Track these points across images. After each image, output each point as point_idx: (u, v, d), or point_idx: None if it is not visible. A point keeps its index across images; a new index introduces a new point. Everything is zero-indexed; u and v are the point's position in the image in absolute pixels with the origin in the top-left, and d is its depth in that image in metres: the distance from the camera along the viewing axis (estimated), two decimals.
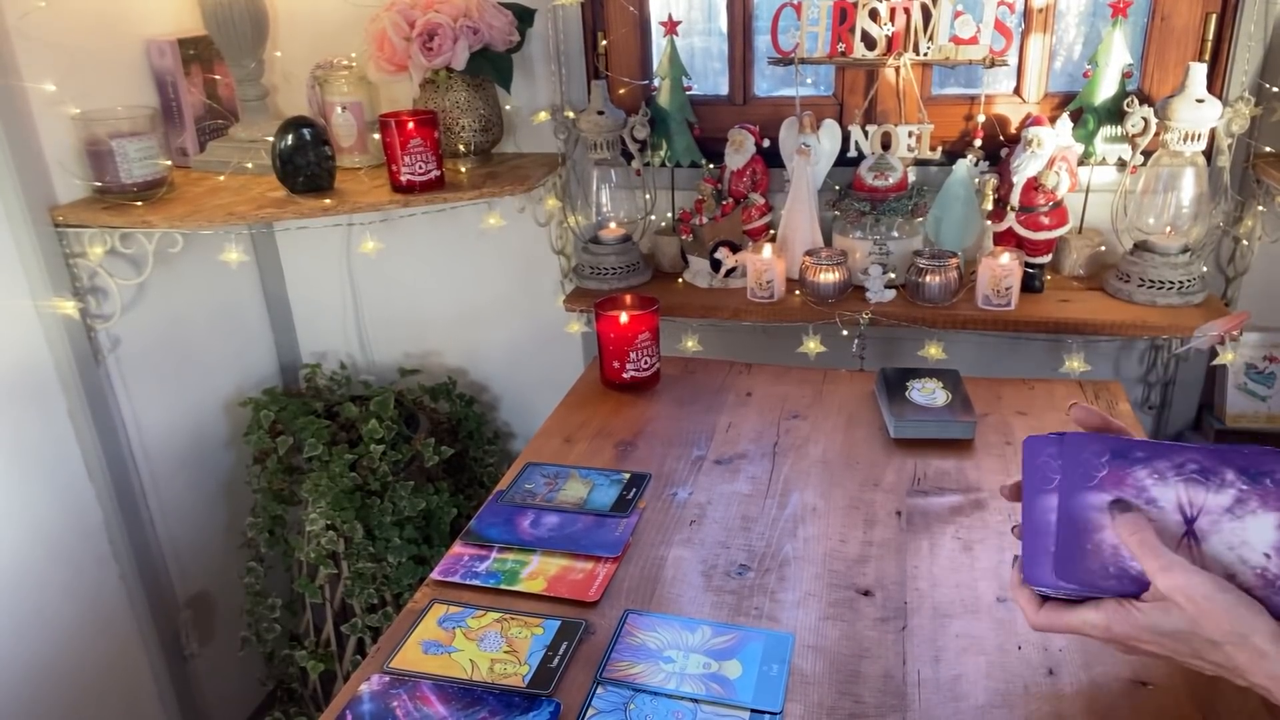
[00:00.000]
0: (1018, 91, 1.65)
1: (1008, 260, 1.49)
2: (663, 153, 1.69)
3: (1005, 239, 1.57)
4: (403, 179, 1.51)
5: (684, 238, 1.69)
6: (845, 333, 1.55)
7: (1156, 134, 1.49)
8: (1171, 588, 0.64)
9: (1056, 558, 0.70)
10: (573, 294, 1.71)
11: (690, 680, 0.82)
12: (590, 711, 0.79)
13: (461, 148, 1.66)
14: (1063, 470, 0.71)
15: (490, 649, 0.87)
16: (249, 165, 1.64)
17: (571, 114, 1.71)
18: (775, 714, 0.78)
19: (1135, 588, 0.68)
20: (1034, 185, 1.53)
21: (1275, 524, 0.65)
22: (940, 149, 1.63)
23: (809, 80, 1.72)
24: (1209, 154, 1.54)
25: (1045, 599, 0.72)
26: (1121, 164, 1.57)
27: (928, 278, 1.53)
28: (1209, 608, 0.63)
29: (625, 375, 1.33)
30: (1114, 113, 1.54)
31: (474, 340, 2.03)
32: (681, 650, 0.85)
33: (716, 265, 1.65)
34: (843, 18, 1.55)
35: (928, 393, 1.23)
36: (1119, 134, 1.54)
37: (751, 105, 1.76)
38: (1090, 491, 0.70)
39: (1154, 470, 0.69)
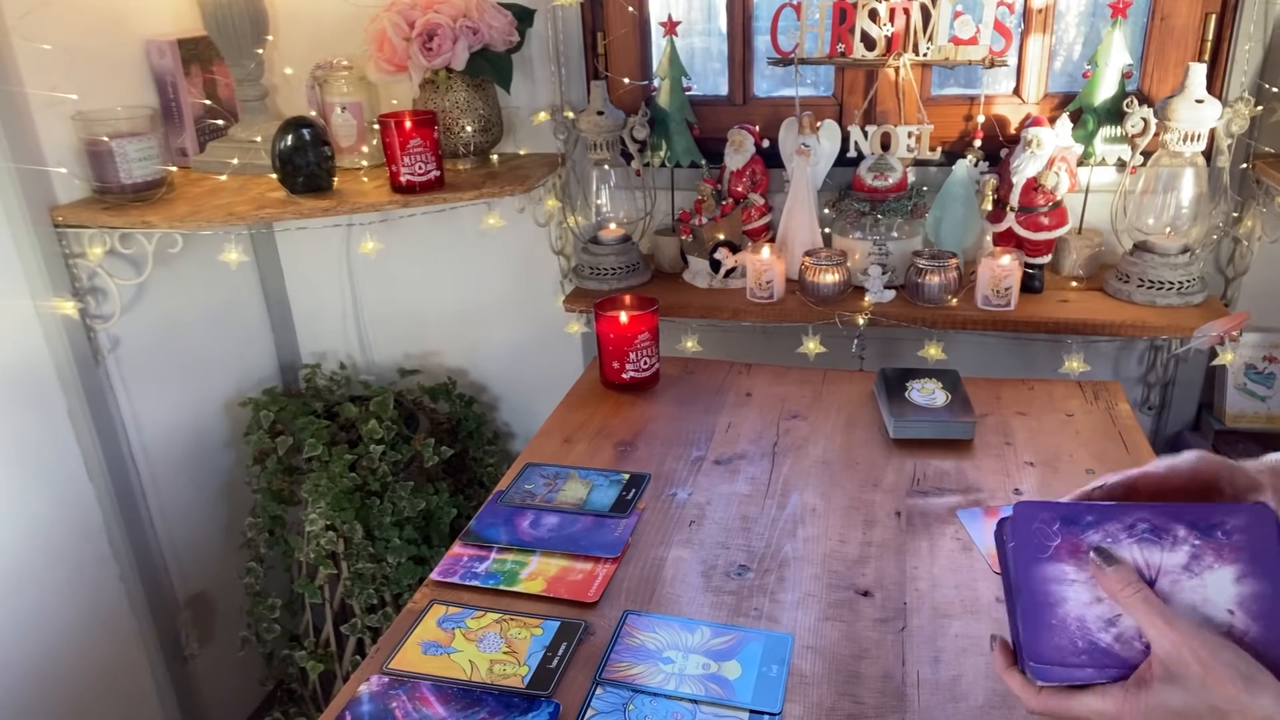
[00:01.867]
0: (1017, 92, 1.65)
1: (1007, 261, 1.49)
2: (662, 153, 1.69)
3: (1005, 239, 1.57)
4: (403, 179, 1.51)
5: (684, 238, 1.69)
6: (845, 333, 1.55)
7: (1156, 134, 1.49)
8: (1179, 644, 0.61)
9: (1027, 638, 0.67)
10: (572, 294, 1.71)
11: (689, 681, 0.82)
12: (589, 712, 0.79)
13: (461, 148, 1.66)
14: (1015, 543, 0.69)
15: (489, 650, 0.87)
16: (249, 165, 1.64)
17: (571, 114, 1.71)
18: (774, 715, 0.78)
19: (1110, 663, 0.64)
20: (1033, 186, 1.53)
21: (1234, 577, 0.64)
22: (940, 149, 1.63)
23: (809, 80, 1.72)
24: (1209, 154, 1.54)
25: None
26: (1121, 164, 1.57)
27: (927, 278, 1.53)
28: (1217, 669, 0.59)
29: (625, 375, 1.33)
30: (1114, 113, 1.54)
31: (474, 340, 2.03)
32: (681, 651, 0.85)
33: (716, 266, 1.65)
34: (842, 18, 1.55)
35: (927, 393, 1.23)
36: (1119, 134, 1.54)
37: (751, 105, 1.76)
38: (1046, 563, 0.68)
39: (1106, 533, 0.67)
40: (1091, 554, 0.66)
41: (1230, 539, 0.65)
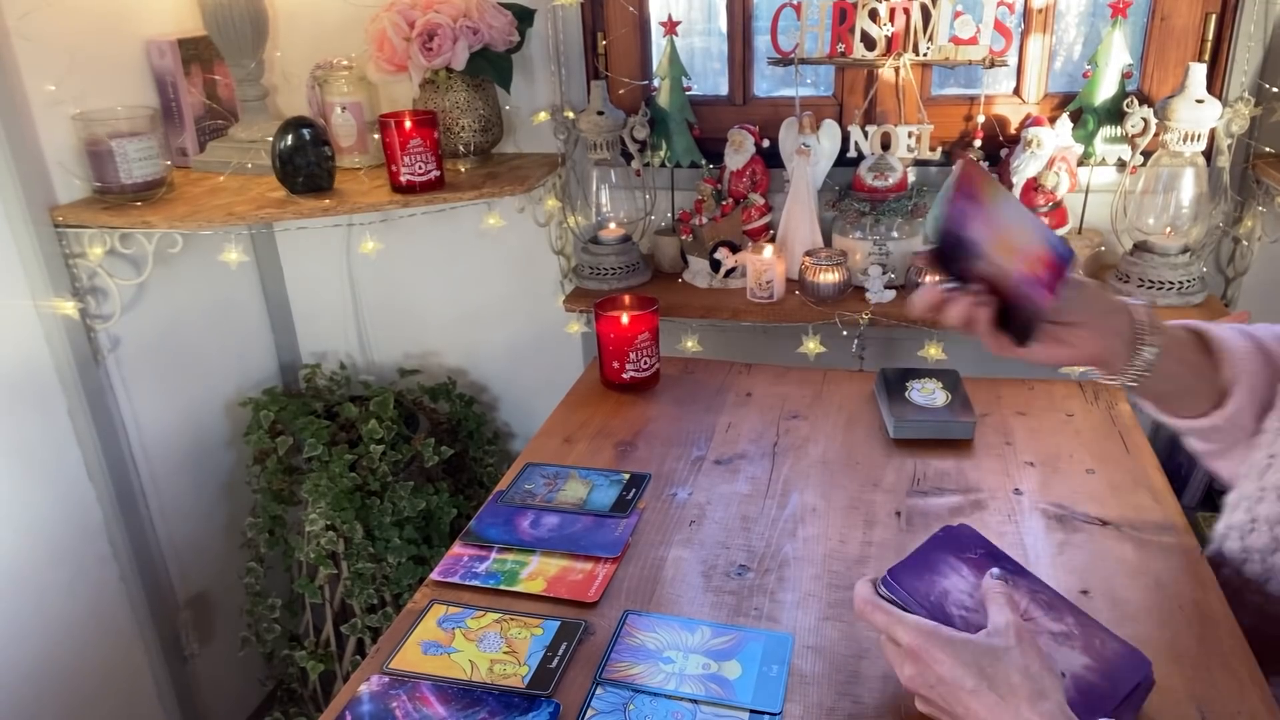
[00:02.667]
0: (1017, 92, 1.65)
1: None
2: (662, 153, 1.69)
3: None
4: (403, 179, 1.51)
5: (684, 238, 1.70)
6: (845, 333, 1.55)
7: (1156, 134, 1.49)
8: (1012, 622, 0.70)
9: (895, 567, 0.77)
10: (572, 294, 1.71)
11: (690, 681, 0.82)
12: (590, 712, 0.79)
13: (461, 148, 1.66)
14: (943, 534, 0.81)
15: (490, 649, 0.87)
16: (249, 165, 1.64)
17: (571, 114, 1.71)
18: (775, 715, 0.78)
19: (944, 623, 0.72)
20: (1034, 186, 1.53)
21: (1083, 663, 0.72)
22: (940, 149, 1.63)
23: (809, 80, 1.72)
24: (1209, 154, 1.54)
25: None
26: (1121, 164, 1.57)
27: (927, 278, 1.53)
28: (1030, 646, 0.68)
29: (625, 375, 1.33)
30: (1114, 113, 1.54)
31: (474, 340, 2.03)
32: (681, 651, 0.85)
33: (716, 265, 1.65)
34: (842, 18, 1.55)
35: (927, 393, 1.23)
36: (1119, 134, 1.54)
37: (751, 105, 1.76)
38: (952, 556, 0.79)
39: (1012, 581, 0.77)
40: (992, 569, 0.77)
41: (1104, 652, 0.73)
